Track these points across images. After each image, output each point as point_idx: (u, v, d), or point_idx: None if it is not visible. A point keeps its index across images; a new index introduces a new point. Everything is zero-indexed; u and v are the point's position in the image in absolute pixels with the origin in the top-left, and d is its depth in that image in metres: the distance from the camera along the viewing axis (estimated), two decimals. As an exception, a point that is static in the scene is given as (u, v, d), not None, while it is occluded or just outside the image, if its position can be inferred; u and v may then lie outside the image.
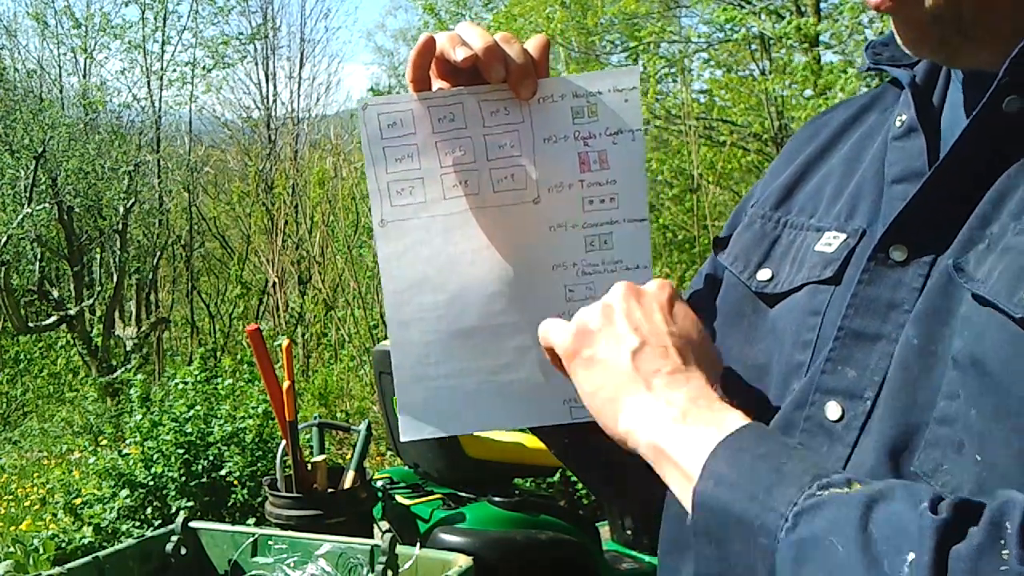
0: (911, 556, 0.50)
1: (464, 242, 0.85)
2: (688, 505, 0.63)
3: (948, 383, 0.61)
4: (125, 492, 4.20)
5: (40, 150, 9.38)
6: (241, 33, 14.18)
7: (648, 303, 0.73)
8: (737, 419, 0.65)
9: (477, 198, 0.84)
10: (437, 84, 0.83)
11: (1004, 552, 0.49)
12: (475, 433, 3.00)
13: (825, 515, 0.55)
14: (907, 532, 0.51)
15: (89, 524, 4.14)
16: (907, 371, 0.64)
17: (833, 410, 0.68)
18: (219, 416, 4.50)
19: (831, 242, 0.76)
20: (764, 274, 0.80)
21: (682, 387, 0.67)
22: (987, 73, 0.66)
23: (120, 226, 10.42)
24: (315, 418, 2.64)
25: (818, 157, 0.85)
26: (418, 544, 1.43)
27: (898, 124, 0.75)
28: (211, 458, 4.31)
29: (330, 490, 2.17)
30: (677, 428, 0.65)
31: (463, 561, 1.36)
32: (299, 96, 14.90)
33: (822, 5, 8.24)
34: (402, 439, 0.88)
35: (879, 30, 6.96)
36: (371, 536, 2.04)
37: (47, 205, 9.57)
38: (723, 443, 0.62)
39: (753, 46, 8.94)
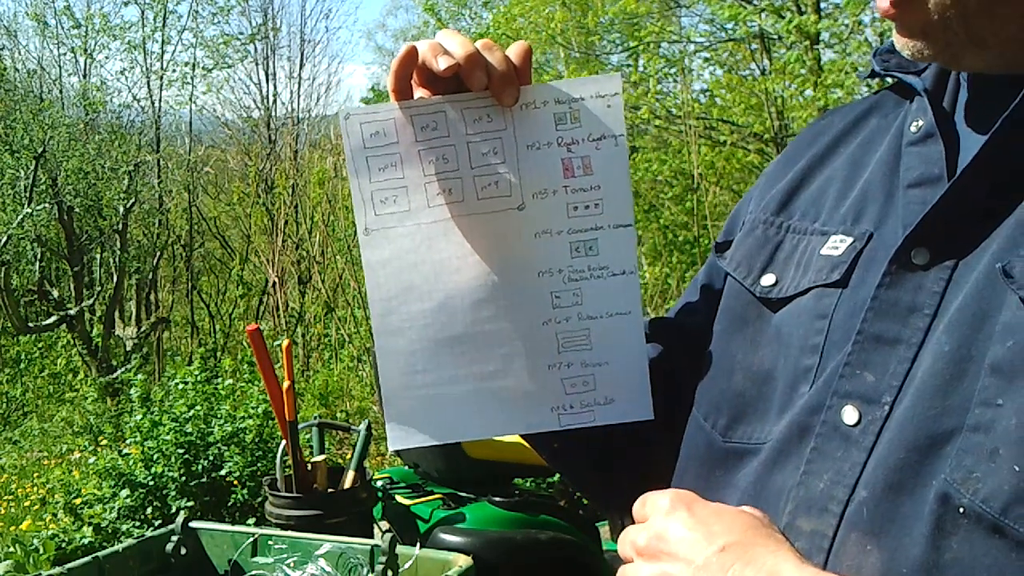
0: None
1: (449, 250, 0.84)
2: None
3: (984, 390, 0.60)
4: (125, 492, 4.20)
5: (40, 150, 9.38)
6: (241, 33, 14.18)
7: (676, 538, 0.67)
8: None
9: (462, 206, 0.84)
10: (419, 92, 0.83)
11: None
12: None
13: None
14: None
15: (89, 524, 4.14)
16: (937, 377, 0.63)
17: (850, 414, 0.67)
18: (219, 416, 4.50)
19: (838, 245, 0.75)
20: (768, 279, 0.80)
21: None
22: (995, 76, 0.66)
23: (120, 226, 10.42)
24: (315, 418, 2.64)
25: (818, 162, 0.84)
26: (418, 544, 1.42)
27: (913, 129, 0.75)
28: (211, 458, 4.31)
29: (330, 490, 2.17)
30: None
31: (463, 561, 1.36)
32: (299, 96, 14.90)
33: (822, 4, 8.24)
34: (390, 448, 0.88)
35: (879, 30, 6.97)
36: (371, 536, 2.03)
37: (47, 205, 9.58)
38: None
39: (753, 46, 8.95)
